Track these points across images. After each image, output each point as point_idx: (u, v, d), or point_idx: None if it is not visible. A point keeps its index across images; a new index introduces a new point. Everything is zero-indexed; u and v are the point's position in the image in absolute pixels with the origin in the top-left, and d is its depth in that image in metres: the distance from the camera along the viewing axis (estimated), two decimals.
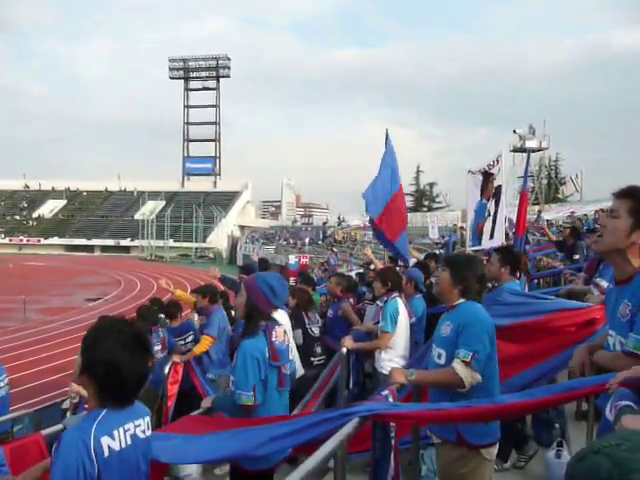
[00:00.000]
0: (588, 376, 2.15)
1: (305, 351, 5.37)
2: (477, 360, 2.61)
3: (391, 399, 2.55)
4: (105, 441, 1.76)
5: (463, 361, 2.60)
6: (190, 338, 6.48)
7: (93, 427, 1.75)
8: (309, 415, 2.37)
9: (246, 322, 2.97)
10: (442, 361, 2.76)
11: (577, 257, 8.03)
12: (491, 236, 6.89)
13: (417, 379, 2.76)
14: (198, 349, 5.75)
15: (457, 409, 2.21)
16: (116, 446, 1.79)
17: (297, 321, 5.48)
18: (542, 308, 3.81)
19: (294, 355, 4.59)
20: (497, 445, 2.82)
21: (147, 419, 1.97)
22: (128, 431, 1.85)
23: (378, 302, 5.48)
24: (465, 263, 2.95)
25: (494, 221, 6.87)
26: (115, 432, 1.81)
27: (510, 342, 3.56)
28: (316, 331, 5.60)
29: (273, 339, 2.87)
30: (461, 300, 2.86)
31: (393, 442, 2.48)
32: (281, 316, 4.76)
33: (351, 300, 6.66)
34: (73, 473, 1.67)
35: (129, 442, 1.84)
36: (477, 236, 7.26)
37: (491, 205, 6.95)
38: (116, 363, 1.79)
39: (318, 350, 5.51)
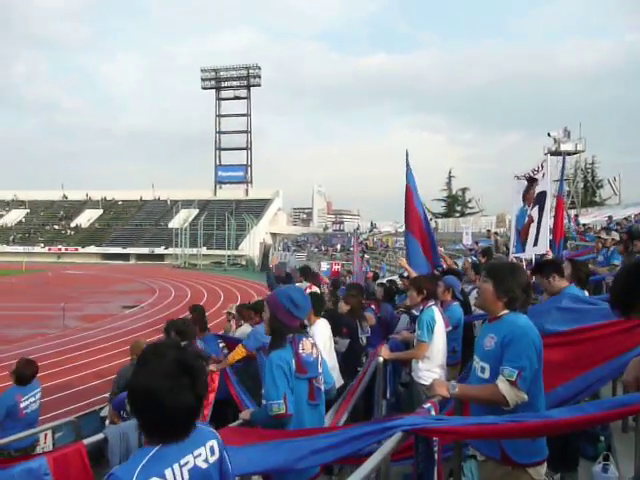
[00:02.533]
0: None
1: (352, 360, 5.34)
2: (523, 378, 2.48)
3: (433, 412, 2.50)
4: None
5: (508, 380, 2.48)
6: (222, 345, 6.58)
7: (138, 469, 1.58)
8: (351, 427, 2.33)
9: (272, 336, 2.96)
10: (486, 375, 2.65)
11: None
12: (535, 243, 6.77)
13: (460, 393, 2.67)
14: (231, 358, 5.75)
15: (502, 424, 2.13)
16: None
17: (350, 329, 5.45)
18: (596, 315, 3.72)
19: (332, 366, 4.56)
20: (545, 464, 2.68)
21: (210, 443, 1.78)
22: (185, 466, 1.67)
23: (414, 311, 5.42)
24: (509, 273, 2.78)
25: (538, 228, 6.74)
26: (167, 471, 1.62)
27: (557, 349, 3.46)
28: (364, 340, 5.57)
29: (300, 351, 2.85)
30: (505, 312, 2.72)
31: (436, 456, 2.42)
32: (321, 326, 4.74)
33: (373, 307, 6.65)
34: None
35: (186, 477, 1.66)
36: (520, 242, 7.14)
37: (533, 211, 6.85)
38: (153, 392, 1.62)
39: (364, 360, 5.46)
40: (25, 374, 5.56)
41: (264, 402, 2.82)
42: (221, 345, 6.61)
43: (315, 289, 9.97)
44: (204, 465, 1.73)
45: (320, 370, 2.99)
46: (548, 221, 6.83)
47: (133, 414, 1.72)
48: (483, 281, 2.87)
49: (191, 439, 1.72)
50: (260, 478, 4.45)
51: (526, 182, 7.11)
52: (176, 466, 1.65)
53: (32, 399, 5.55)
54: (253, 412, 3.16)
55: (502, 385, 2.49)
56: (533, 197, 6.88)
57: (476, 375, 2.75)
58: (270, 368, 2.78)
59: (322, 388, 2.97)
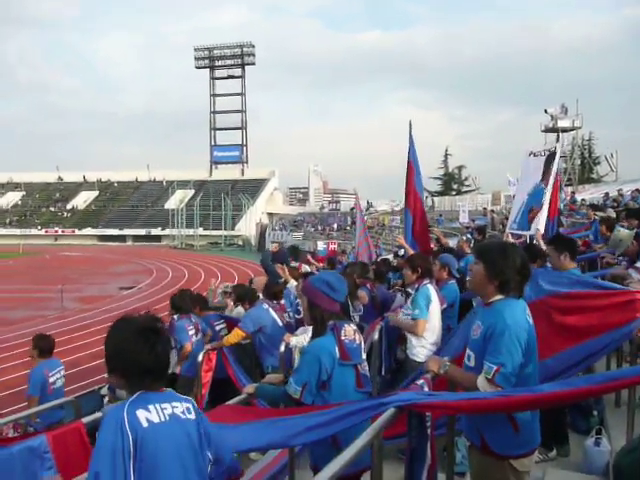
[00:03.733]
0: None
1: None
2: (503, 374, 2.37)
3: (426, 388, 2.53)
4: (141, 414, 1.85)
5: (486, 377, 2.40)
6: (222, 326, 6.64)
7: (127, 403, 1.87)
8: (345, 405, 2.36)
9: (314, 325, 2.91)
10: (471, 363, 2.59)
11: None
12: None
13: (449, 373, 2.66)
14: (227, 340, 5.80)
15: (495, 398, 2.16)
16: (155, 418, 1.87)
17: (341, 309, 5.47)
18: (590, 284, 3.78)
19: None
20: (532, 456, 2.61)
21: (186, 404, 2.01)
22: (165, 410, 1.92)
23: (409, 289, 5.44)
24: (500, 254, 2.58)
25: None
26: (150, 406, 1.89)
27: (548, 319, 3.47)
28: (357, 319, 5.58)
29: (342, 337, 2.78)
30: (498, 297, 2.57)
31: (429, 431, 2.46)
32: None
33: (368, 286, 6.66)
34: (108, 448, 1.77)
35: (168, 418, 1.90)
36: (527, 221, 7.04)
37: (548, 189, 6.79)
38: (127, 351, 1.91)
39: None
40: (46, 346, 5.60)
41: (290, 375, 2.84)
42: (221, 326, 6.69)
43: (306, 268, 9.99)
44: (182, 416, 1.96)
45: (364, 356, 2.94)
46: (549, 200, 6.82)
47: (108, 372, 2.00)
48: (474, 263, 2.72)
49: (167, 395, 1.99)
50: (258, 455, 4.53)
51: (544, 159, 7.00)
52: (157, 406, 1.91)
53: (58, 375, 5.57)
54: (258, 387, 3.13)
55: (480, 380, 2.43)
56: (549, 177, 6.81)
57: (465, 361, 2.69)
58: (306, 354, 2.79)
59: (368, 375, 2.91)
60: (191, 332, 6.14)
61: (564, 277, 3.91)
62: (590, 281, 4.06)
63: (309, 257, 11.35)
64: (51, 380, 5.42)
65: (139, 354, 1.90)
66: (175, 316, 6.25)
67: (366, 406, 2.18)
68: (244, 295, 6.94)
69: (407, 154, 7.07)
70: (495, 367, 2.37)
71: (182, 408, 1.99)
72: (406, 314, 4.82)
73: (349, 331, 2.84)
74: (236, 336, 5.73)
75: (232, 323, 6.73)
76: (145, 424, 1.83)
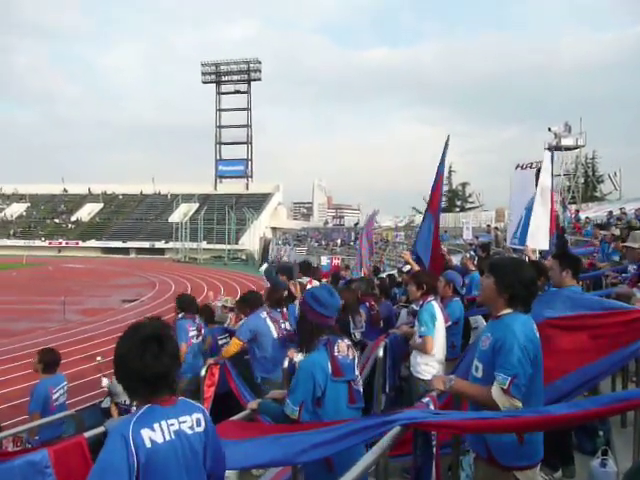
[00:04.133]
0: None
1: None
2: (516, 385, 2.42)
3: (432, 407, 2.51)
4: (146, 433, 1.84)
5: (501, 387, 2.43)
6: (226, 340, 6.62)
7: (132, 421, 1.86)
8: (350, 422, 2.34)
9: (305, 339, 2.90)
10: (479, 375, 2.62)
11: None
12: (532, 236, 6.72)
13: (456, 388, 2.65)
14: (226, 352, 5.73)
15: (501, 419, 2.15)
16: (159, 438, 1.86)
17: (341, 325, 5.43)
18: (595, 305, 3.73)
19: None
20: (536, 468, 2.61)
21: (197, 415, 2.02)
22: (172, 426, 1.92)
23: (414, 306, 5.42)
24: (511, 268, 2.70)
25: (536, 222, 6.70)
26: (156, 425, 1.88)
27: (556, 340, 3.45)
28: (358, 336, 5.53)
29: (335, 353, 2.76)
30: (507, 310, 2.65)
31: (435, 450, 2.44)
32: None
33: (367, 304, 6.63)
34: (111, 466, 1.77)
35: (173, 437, 1.90)
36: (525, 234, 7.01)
37: (537, 203, 6.77)
38: (131, 360, 1.92)
39: (357, 354, 5.46)
40: (51, 361, 5.51)
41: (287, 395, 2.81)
42: (225, 340, 6.66)
43: (315, 284, 9.95)
44: (189, 431, 1.96)
45: (357, 372, 2.92)
46: (548, 216, 6.80)
47: (117, 380, 2.01)
48: (485, 277, 2.82)
49: (177, 407, 1.99)
50: (260, 471, 4.49)
51: (535, 172, 7.01)
52: (163, 423, 1.90)
53: (61, 391, 5.48)
54: (261, 403, 3.11)
55: (495, 392, 2.45)
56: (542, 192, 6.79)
57: (472, 373, 2.72)
58: (299, 372, 2.74)
59: (361, 390, 2.89)
60: (192, 333, 6.15)
61: (562, 295, 3.85)
62: (592, 299, 4.03)
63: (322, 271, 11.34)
64: (54, 397, 5.33)
65: (142, 363, 1.91)
66: (180, 315, 6.27)
67: (371, 424, 2.16)
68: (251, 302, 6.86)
69: (440, 165, 6.94)
70: (510, 378, 2.43)
71: (191, 422, 1.98)
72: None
73: (342, 347, 2.83)
74: (235, 345, 5.64)
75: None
76: (148, 444, 1.83)
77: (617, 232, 11.73)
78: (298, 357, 5.02)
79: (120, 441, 1.80)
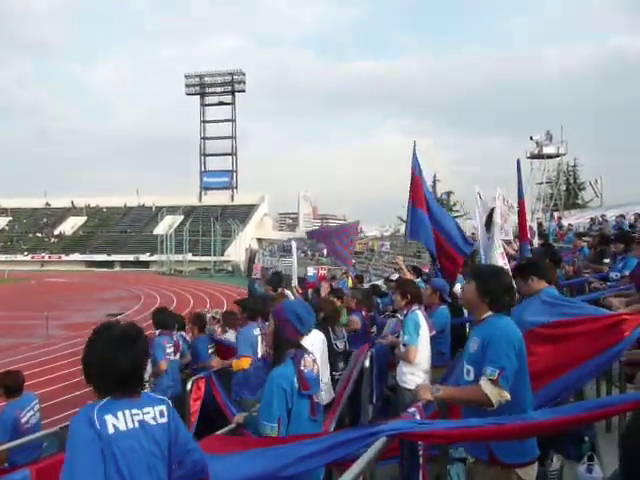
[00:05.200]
0: None
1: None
2: (505, 377, 2.53)
3: (418, 417, 2.51)
4: (109, 419, 1.88)
5: (490, 379, 2.52)
6: (212, 350, 6.64)
7: (96, 407, 1.91)
8: (336, 434, 2.34)
9: (274, 351, 2.92)
10: (471, 377, 2.70)
11: (607, 261, 7.86)
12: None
13: (444, 396, 2.69)
14: (236, 365, 5.52)
15: (486, 427, 2.15)
16: (121, 426, 1.89)
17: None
18: (575, 311, 3.74)
19: (325, 381, 4.54)
20: (535, 464, 2.69)
21: (160, 407, 2.04)
22: (135, 415, 1.95)
23: (399, 315, 5.43)
24: (492, 274, 2.89)
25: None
26: (119, 413, 1.92)
27: (539, 348, 3.45)
28: (341, 346, 5.51)
29: (302, 367, 2.79)
30: (489, 314, 2.78)
31: (421, 460, 2.44)
32: (314, 336, 4.64)
33: (363, 312, 6.63)
34: (80, 445, 1.81)
35: (136, 425, 1.93)
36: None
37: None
38: (104, 359, 1.96)
39: (341, 365, 5.44)
40: (13, 384, 5.23)
41: (259, 417, 2.77)
42: (211, 350, 6.64)
43: (288, 294, 9.91)
44: (152, 422, 1.99)
45: (320, 386, 2.97)
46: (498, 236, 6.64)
47: (85, 378, 2.04)
48: (467, 282, 2.97)
49: (142, 400, 2.02)
50: None
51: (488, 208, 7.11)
52: (127, 412, 1.94)
53: (31, 412, 5.23)
54: (246, 417, 3.12)
55: (484, 384, 2.53)
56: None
57: (463, 377, 2.79)
58: (270, 386, 2.72)
59: (321, 403, 2.94)
60: (169, 350, 6.01)
61: (538, 301, 3.79)
62: (572, 304, 3.98)
63: (296, 286, 11.26)
64: (24, 420, 5.07)
65: (116, 361, 1.95)
66: (157, 332, 6.14)
67: (356, 436, 2.16)
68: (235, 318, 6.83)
69: (415, 170, 7.15)
70: (498, 370, 2.53)
71: (154, 413, 2.01)
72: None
73: (308, 361, 2.87)
74: (245, 362, 5.43)
75: (222, 346, 6.76)
76: (111, 430, 1.86)
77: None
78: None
79: (85, 421, 1.84)
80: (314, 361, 2.93)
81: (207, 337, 6.89)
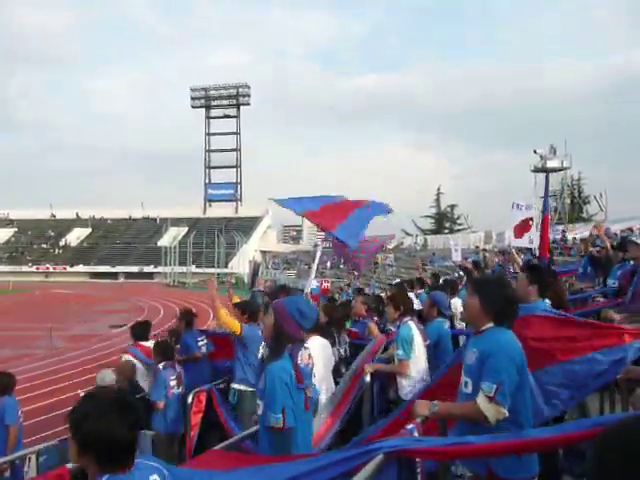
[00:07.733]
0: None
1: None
2: (502, 393, 2.46)
3: (416, 433, 2.50)
4: None
5: (487, 396, 2.47)
6: (204, 342, 6.79)
7: None
8: (333, 452, 2.33)
9: (273, 344, 2.96)
10: (469, 390, 2.65)
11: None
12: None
13: (440, 412, 2.66)
14: (222, 316, 5.77)
15: (484, 444, 2.14)
16: None
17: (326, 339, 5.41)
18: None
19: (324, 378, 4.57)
20: None
21: (153, 477, 1.90)
22: None
23: (391, 327, 5.42)
24: (495, 286, 2.75)
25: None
26: None
27: (537, 331, 3.36)
28: (342, 352, 5.54)
29: (299, 362, 2.85)
30: (489, 325, 2.68)
31: (419, 478, 2.42)
32: (313, 342, 4.65)
33: (375, 319, 6.64)
34: None
35: None
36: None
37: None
38: (106, 432, 1.78)
39: (343, 370, 5.44)
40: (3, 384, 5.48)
41: (261, 412, 2.85)
42: (202, 342, 6.76)
43: None
44: None
45: (314, 379, 3.06)
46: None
47: (90, 460, 1.82)
48: (469, 296, 2.85)
49: (135, 472, 1.86)
50: None
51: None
52: None
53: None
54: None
55: (480, 401, 2.49)
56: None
57: (461, 390, 2.75)
58: (272, 379, 2.78)
59: (314, 398, 3.03)
60: (172, 383, 5.84)
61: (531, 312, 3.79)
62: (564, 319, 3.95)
63: (307, 293, 11.26)
64: None
65: (118, 433, 1.79)
66: (160, 365, 5.90)
67: (354, 454, 2.15)
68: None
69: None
70: (495, 386, 2.46)
71: None
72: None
73: (305, 356, 2.93)
74: (234, 325, 5.52)
75: (217, 338, 6.95)
76: None
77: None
78: None
79: None
80: (309, 356, 2.99)
81: (197, 332, 6.94)
